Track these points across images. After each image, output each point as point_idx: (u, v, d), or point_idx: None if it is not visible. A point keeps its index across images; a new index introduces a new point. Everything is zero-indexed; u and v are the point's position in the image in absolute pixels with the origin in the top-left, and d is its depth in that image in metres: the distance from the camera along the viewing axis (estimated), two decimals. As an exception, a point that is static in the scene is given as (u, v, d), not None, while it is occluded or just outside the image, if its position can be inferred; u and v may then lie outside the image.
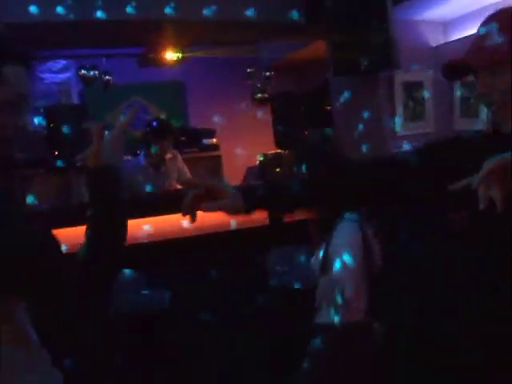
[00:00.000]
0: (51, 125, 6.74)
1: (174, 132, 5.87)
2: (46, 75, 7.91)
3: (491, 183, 1.30)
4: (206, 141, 8.06)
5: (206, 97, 8.10)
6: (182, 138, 7.90)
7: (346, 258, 3.02)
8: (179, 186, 5.59)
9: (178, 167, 5.88)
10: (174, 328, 4.10)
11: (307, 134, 3.23)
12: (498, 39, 1.57)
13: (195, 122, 8.45)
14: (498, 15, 1.64)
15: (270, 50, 7.94)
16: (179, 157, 6.00)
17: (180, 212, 1.69)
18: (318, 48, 6.63)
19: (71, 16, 4.56)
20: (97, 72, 7.28)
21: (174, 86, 8.69)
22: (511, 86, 1.57)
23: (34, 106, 7.04)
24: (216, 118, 7.80)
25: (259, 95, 8.21)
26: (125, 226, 1.69)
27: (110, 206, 1.67)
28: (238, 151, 7.54)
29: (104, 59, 7.27)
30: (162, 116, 7.61)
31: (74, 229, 3.90)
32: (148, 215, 4.30)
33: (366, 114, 5.06)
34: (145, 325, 4.01)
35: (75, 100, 8.05)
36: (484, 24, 1.64)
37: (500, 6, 1.71)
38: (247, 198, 1.68)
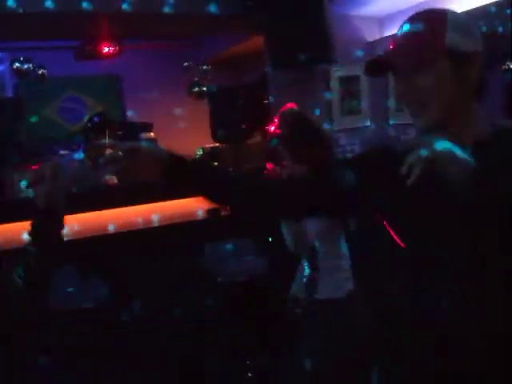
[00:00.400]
0: None
1: (114, 127, 5.80)
2: (-22, 69, 7.76)
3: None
4: (143, 135, 7.98)
5: (143, 91, 8.02)
6: (119, 133, 7.83)
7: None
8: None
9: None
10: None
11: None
12: (421, 40, 1.58)
13: (132, 116, 8.36)
14: (423, 16, 1.64)
15: (207, 44, 7.96)
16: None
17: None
18: (256, 42, 6.67)
19: (5, 7, 4.47)
20: (31, 65, 7.14)
21: (110, 80, 8.57)
22: (432, 86, 1.59)
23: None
24: (153, 112, 7.79)
25: (196, 89, 8.20)
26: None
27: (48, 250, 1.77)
28: (176, 145, 7.54)
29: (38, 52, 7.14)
30: (100, 110, 7.51)
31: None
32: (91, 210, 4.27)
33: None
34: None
35: (9, 93, 7.88)
36: (408, 23, 1.63)
37: (428, 6, 1.74)
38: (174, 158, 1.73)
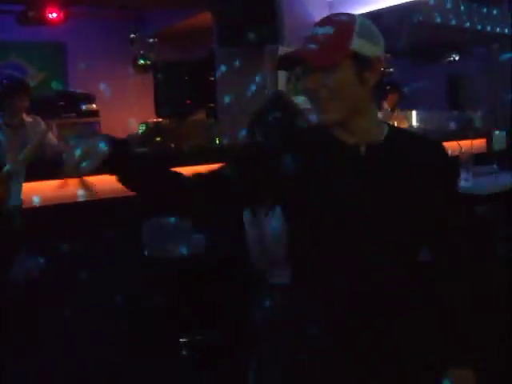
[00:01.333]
0: None
1: (28, 90, 5.62)
2: None
3: None
4: (85, 106, 7.83)
5: (87, 60, 7.82)
6: (61, 103, 7.67)
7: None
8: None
9: (41, 131, 5.64)
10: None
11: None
12: (330, 42, 1.69)
13: (74, 86, 8.17)
14: (333, 20, 1.75)
15: (155, 17, 7.85)
16: (43, 123, 5.75)
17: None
18: (204, 18, 6.62)
19: None
20: None
21: (54, 47, 8.31)
22: (336, 86, 1.71)
23: None
24: (96, 83, 7.64)
25: (141, 62, 8.10)
26: None
27: None
28: (118, 118, 7.41)
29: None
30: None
31: None
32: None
33: (251, 87, 5.10)
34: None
35: None
36: (320, 25, 1.74)
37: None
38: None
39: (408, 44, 8.42)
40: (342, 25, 1.73)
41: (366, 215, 1.72)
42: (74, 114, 7.70)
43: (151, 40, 7.99)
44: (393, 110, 8.04)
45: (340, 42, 1.70)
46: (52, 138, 5.77)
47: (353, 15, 1.76)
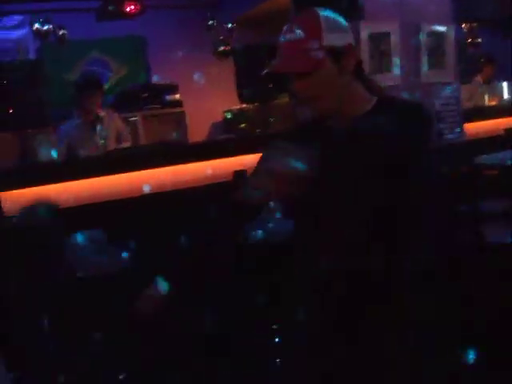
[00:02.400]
0: (4, 82, 6.52)
1: (100, 86, 5.66)
2: (0, 32, 7.65)
3: None
4: (168, 97, 7.81)
5: (166, 51, 7.84)
6: (144, 95, 7.69)
7: None
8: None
9: (117, 127, 5.69)
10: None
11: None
12: (303, 47, 1.81)
13: (157, 78, 8.18)
14: (300, 22, 1.86)
15: (232, 2, 7.76)
16: (116, 116, 5.81)
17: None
18: (281, 1, 6.48)
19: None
20: (51, 26, 7.02)
21: (134, 40, 8.33)
22: (320, 84, 1.85)
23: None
24: (178, 73, 7.62)
25: (221, 48, 8.03)
26: None
27: None
28: (202, 106, 7.37)
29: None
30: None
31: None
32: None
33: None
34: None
35: (32, 57, 7.72)
36: (288, 31, 1.85)
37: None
38: None
39: (497, 12, 8.06)
40: (310, 25, 1.82)
41: (342, 191, 1.86)
42: (159, 106, 7.69)
43: (229, 25, 7.90)
44: (487, 82, 7.72)
45: (313, 43, 1.80)
46: (126, 131, 5.82)
47: (315, 11, 1.85)
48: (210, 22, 7.83)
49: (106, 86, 7.76)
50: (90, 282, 3.59)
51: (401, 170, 1.80)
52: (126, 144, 5.62)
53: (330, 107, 1.90)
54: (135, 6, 6.95)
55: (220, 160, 4.73)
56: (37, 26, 6.97)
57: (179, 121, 7.79)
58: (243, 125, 7.39)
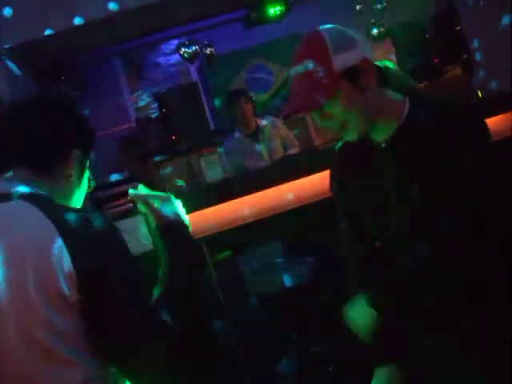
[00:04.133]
0: (163, 110, 6.60)
1: (247, 96, 5.50)
2: (161, 59, 7.82)
3: None
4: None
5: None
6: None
7: None
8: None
9: (281, 135, 5.49)
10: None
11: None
12: (315, 81, 1.67)
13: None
14: (305, 52, 1.72)
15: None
16: (279, 123, 5.59)
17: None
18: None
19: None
20: (197, 47, 7.05)
21: (289, 41, 8.00)
22: (343, 110, 1.71)
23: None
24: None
25: (375, 31, 7.63)
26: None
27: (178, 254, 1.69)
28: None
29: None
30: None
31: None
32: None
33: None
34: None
35: (195, 77, 7.84)
36: (296, 66, 1.72)
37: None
38: None
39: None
40: (317, 52, 1.69)
41: (400, 203, 1.76)
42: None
43: (379, 6, 7.46)
44: None
45: (324, 72, 1.66)
46: (292, 137, 5.63)
47: (319, 33, 1.71)
48: (359, 6, 7.44)
49: (271, 91, 7.95)
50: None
51: (465, 170, 1.68)
52: (294, 150, 5.42)
53: (363, 128, 1.78)
54: (280, 7, 6.83)
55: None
56: (183, 49, 7.03)
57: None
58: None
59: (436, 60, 6.78)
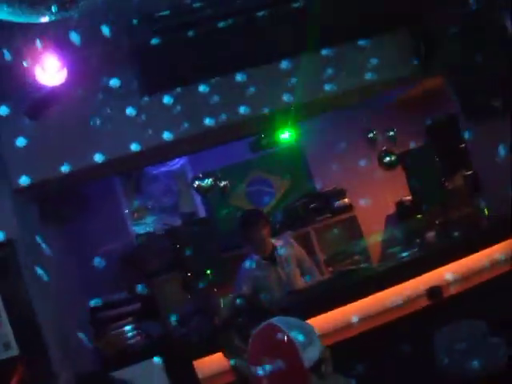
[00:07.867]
0: (177, 246, 6.65)
1: (264, 217, 5.56)
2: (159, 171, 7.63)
3: None
4: (337, 202, 7.50)
5: (327, 156, 7.48)
6: (313, 205, 7.46)
7: None
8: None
9: (296, 254, 5.52)
10: None
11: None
12: (292, 376, 1.74)
13: (321, 185, 7.87)
14: (277, 350, 1.76)
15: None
16: (294, 243, 5.63)
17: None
18: (432, 83, 6.27)
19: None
20: (211, 179, 7.07)
21: (291, 152, 7.68)
22: None
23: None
24: (342, 176, 7.32)
25: (387, 159, 7.62)
26: None
27: None
28: (373, 202, 6.98)
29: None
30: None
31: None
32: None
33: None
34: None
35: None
36: (269, 358, 1.75)
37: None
38: None
39: None
40: (287, 353, 1.72)
41: None
42: (329, 214, 7.43)
43: (391, 133, 7.59)
44: None
45: (298, 373, 1.72)
46: (306, 256, 5.64)
47: (285, 334, 1.76)
48: (370, 135, 7.62)
49: (272, 204, 7.77)
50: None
51: None
52: (311, 276, 5.51)
53: None
54: (289, 132, 6.91)
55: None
56: (197, 182, 7.04)
57: (352, 226, 7.55)
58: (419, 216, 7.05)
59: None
